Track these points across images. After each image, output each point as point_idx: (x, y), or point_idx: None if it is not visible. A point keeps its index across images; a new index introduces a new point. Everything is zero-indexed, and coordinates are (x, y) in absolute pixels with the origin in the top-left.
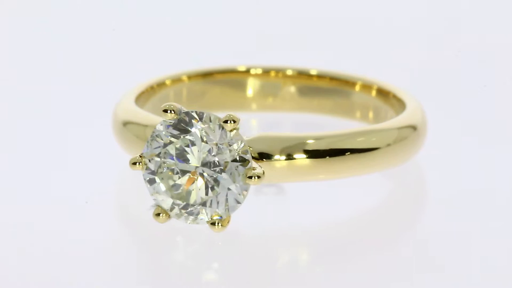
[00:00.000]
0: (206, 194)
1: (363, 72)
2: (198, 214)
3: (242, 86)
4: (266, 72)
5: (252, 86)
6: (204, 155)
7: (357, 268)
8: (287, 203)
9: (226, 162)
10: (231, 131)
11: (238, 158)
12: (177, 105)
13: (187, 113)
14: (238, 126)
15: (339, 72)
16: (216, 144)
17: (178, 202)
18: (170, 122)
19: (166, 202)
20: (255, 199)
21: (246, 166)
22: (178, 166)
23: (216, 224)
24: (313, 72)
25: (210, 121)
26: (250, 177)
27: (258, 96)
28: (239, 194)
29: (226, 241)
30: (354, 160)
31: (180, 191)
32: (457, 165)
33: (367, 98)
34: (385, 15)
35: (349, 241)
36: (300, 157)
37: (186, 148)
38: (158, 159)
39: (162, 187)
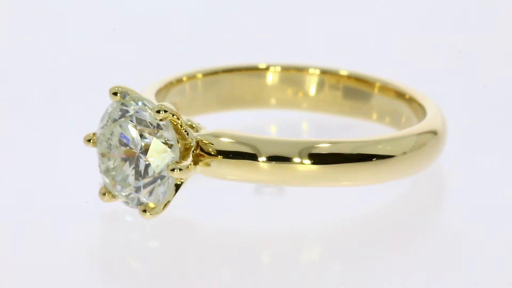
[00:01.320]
0: (138, 180)
1: (381, 73)
2: (133, 199)
3: (261, 84)
4: (286, 69)
5: (271, 83)
6: (140, 141)
7: (366, 269)
8: (295, 202)
9: (155, 150)
10: (161, 120)
11: (165, 148)
12: (125, 88)
13: (131, 97)
14: (172, 115)
15: (361, 73)
16: (152, 132)
17: (117, 186)
18: (115, 105)
19: (110, 183)
20: (254, 199)
21: (171, 158)
22: (119, 149)
23: (146, 211)
24: (335, 72)
25: (149, 108)
26: (173, 170)
27: (277, 91)
28: (165, 185)
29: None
30: (371, 167)
31: (117, 174)
32: (477, 169)
33: (387, 101)
34: (405, 17)
35: (359, 242)
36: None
37: (126, 132)
38: (105, 140)
39: (105, 168)
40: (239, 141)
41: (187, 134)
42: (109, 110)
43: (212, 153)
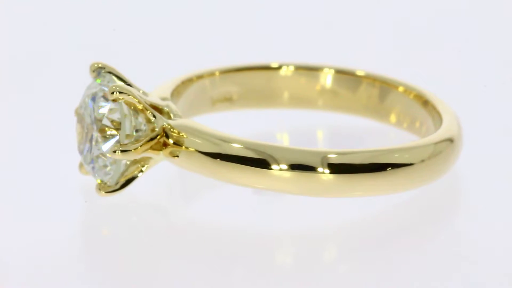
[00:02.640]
0: (92, 157)
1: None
2: (95, 174)
3: (275, 85)
4: (299, 69)
5: (285, 80)
6: (98, 119)
7: (378, 269)
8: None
9: (104, 129)
10: (114, 100)
11: (111, 129)
12: (102, 65)
13: (103, 75)
14: (127, 98)
15: (379, 74)
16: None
17: (83, 160)
18: (92, 81)
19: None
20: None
21: (115, 139)
22: (86, 125)
23: (100, 189)
24: (353, 72)
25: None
26: (114, 151)
27: (292, 88)
28: (119, 166)
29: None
30: (386, 177)
31: (83, 148)
32: (489, 172)
33: (405, 104)
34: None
35: (370, 241)
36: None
37: (91, 109)
38: (80, 114)
39: (78, 141)
40: (202, 134)
41: (154, 118)
42: (87, 86)
43: (179, 143)
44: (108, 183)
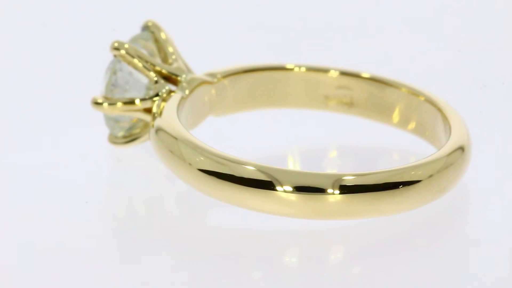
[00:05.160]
0: None
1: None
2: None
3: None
4: (310, 70)
5: (294, 81)
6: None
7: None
8: None
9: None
10: (115, 56)
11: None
12: (150, 24)
13: (145, 32)
14: (126, 56)
15: (384, 77)
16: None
17: None
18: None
19: None
20: None
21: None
22: None
23: (108, 139)
24: (357, 74)
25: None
26: (96, 103)
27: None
28: (110, 120)
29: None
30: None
31: None
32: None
33: (410, 105)
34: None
35: (377, 245)
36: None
37: None
38: None
39: None
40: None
41: (156, 81)
42: None
43: (156, 114)
44: (115, 136)
